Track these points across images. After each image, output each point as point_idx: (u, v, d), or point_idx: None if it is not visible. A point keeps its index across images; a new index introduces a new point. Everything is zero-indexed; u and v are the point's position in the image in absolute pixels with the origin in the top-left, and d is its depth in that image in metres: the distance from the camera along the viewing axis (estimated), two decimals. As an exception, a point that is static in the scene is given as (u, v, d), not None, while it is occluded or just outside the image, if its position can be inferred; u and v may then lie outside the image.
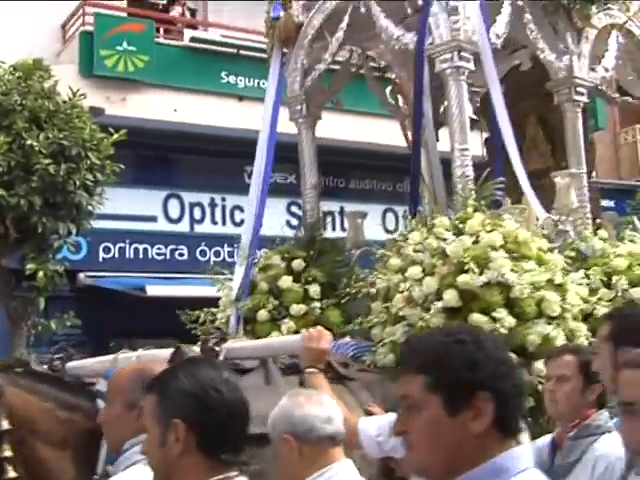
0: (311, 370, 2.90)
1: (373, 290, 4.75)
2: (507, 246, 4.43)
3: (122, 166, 8.45)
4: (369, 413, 3.41)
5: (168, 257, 10.34)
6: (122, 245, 10.20)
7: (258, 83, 10.38)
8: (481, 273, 4.26)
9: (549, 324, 4.29)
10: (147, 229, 10.32)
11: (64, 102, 8.61)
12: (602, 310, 4.77)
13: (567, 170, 5.31)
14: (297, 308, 5.29)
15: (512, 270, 4.28)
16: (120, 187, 8.77)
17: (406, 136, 6.53)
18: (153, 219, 10.44)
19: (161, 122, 10.01)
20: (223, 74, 10.84)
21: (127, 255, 10.24)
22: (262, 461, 2.57)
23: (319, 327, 3.05)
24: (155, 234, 10.30)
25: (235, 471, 1.75)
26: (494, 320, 4.15)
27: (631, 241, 5.62)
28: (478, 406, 1.47)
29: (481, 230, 4.45)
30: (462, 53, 5.03)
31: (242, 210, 10.81)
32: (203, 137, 10.20)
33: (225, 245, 10.01)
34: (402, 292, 4.45)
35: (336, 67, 6.63)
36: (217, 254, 10.44)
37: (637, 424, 1.67)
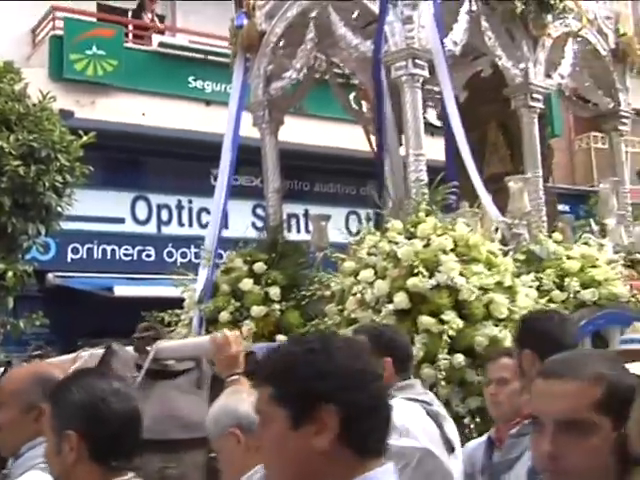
0: (232, 378, 2.79)
1: (328, 292, 4.89)
2: (457, 249, 4.58)
3: (91, 168, 8.51)
4: None
5: (135, 258, 10.43)
6: (90, 246, 10.28)
7: (225, 88, 10.46)
8: (431, 276, 4.41)
9: (497, 326, 4.44)
10: (115, 230, 10.41)
11: (34, 105, 8.66)
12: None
13: (521, 175, 5.46)
14: (257, 310, 5.43)
15: (461, 273, 4.43)
16: (89, 189, 8.85)
17: (369, 141, 6.68)
18: (121, 221, 10.53)
19: (130, 125, 10.10)
20: (191, 79, 10.95)
21: (95, 256, 10.32)
22: (182, 465, 2.64)
23: (226, 331, 3.02)
24: (123, 235, 10.39)
25: (128, 474, 1.85)
26: (442, 322, 4.29)
27: (585, 243, 5.81)
28: (321, 419, 1.35)
29: (432, 234, 4.60)
30: (416, 61, 5.19)
31: (208, 212, 10.91)
32: (171, 140, 10.31)
33: (192, 247, 10.10)
34: (355, 295, 4.59)
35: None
36: (184, 255, 10.55)
37: (539, 439, 1.44)
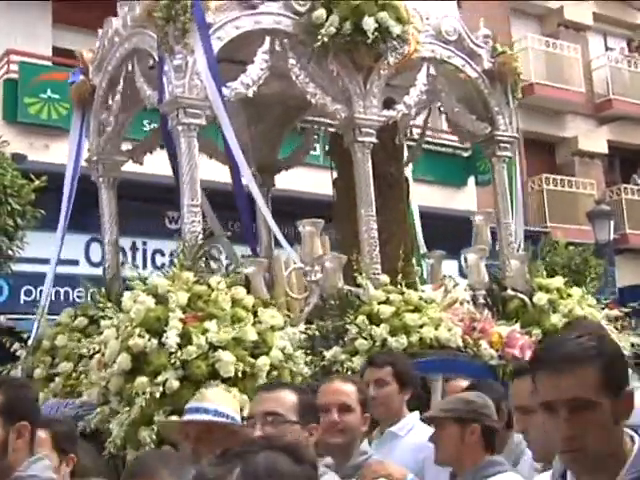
0: None
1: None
2: (196, 305, 4.70)
3: (42, 212, 9.01)
4: None
5: (89, 299, 10.86)
6: (43, 288, 10.81)
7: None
8: (161, 335, 4.53)
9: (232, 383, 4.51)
10: (69, 272, 10.90)
11: None
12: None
13: (310, 219, 5.48)
14: (65, 366, 5.67)
15: (190, 331, 4.53)
16: (42, 231, 9.26)
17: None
18: (75, 262, 11.01)
19: (83, 168, 10.56)
20: (145, 122, 11.36)
21: (57, 298, 10.84)
22: None
23: None
24: (77, 277, 10.86)
25: None
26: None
27: (410, 287, 5.73)
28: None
29: (172, 290, 4.72)
30: (189, 110, 5.31)
31: (163, 254, 11.42)
32: (124, 183, 10.71)
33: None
34: (100, 354, 4.78)
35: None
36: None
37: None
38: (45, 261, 10.81)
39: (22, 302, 10.81)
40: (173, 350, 4.40)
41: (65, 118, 11.10)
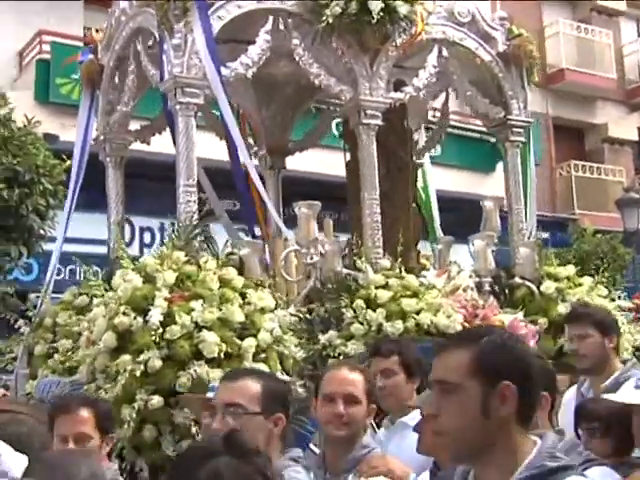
0: None
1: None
2: (184, 285, 4.69)
3: None
4: None
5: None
6: (72, 267, 10.94)
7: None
8: (147, 314, 4.54)
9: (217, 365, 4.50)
10: (98, 252, 11.01)
11: (19, 129, 9.41)
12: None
13: (306, 202, 5.43)
14: (64, 344, 5.73)
15: (175, 310, 4.53)
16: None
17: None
18: (104, 243, 11.11)
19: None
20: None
21: (78, 277, 10.97)
22: None
23: None
24: (105, 257, 10.97)
25: None
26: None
27: (412, 273, 5.66)
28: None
29: (160, 270, 4.73)
30: (187, 89, 5.30)
31: None
32: (153, 164, 10.77)
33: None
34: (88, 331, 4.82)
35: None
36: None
37: None
38: (74, 241, 10.95)
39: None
40: (155, 328, 4.41)
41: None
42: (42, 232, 9.36)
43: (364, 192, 5.94)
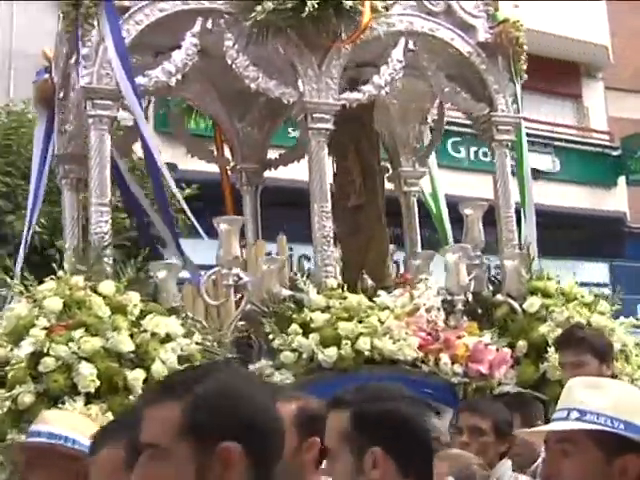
0: None
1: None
2: (70, 312, 4.35)
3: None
4: None
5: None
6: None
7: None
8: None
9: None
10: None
11: (140, 159, 9.04)
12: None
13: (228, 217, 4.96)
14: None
15: (53, 341, 4.18)
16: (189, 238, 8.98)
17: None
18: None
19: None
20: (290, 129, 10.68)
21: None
22: None
23: None
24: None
25: None
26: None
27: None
28: None
29: (49, 296, 4.40)
30: (97, 101, 4.96)
31: (309, 259, 10.57)
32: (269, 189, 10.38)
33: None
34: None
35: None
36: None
37: None
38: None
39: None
40: (19, 361, 4.06)
41: (207, 127, 10.76)
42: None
43: (313, 203, 5.42)
